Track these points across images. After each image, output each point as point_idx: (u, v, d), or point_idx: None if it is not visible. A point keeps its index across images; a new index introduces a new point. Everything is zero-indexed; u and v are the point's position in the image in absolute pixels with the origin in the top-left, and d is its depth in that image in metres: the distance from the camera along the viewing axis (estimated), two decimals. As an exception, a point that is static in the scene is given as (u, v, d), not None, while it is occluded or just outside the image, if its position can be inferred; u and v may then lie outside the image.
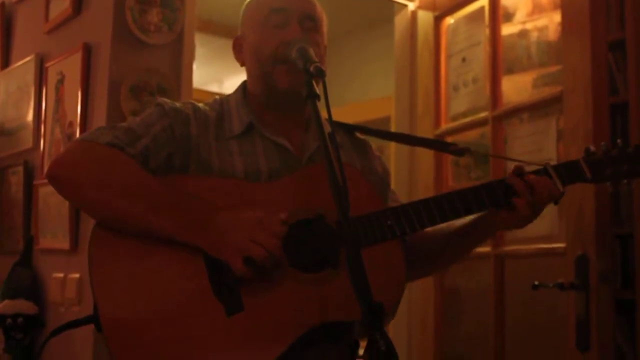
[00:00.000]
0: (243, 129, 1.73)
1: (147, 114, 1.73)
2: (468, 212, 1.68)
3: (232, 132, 1.73)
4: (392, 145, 3.58)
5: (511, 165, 1.73)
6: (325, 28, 1.83)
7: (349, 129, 1.90)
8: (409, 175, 3.46)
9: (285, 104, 1.76)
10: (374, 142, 1.97)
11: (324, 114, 1.52)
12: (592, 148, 1.75)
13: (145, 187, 1.59)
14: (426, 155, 3.47)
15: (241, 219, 1.52)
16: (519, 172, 1.68)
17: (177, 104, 1.76)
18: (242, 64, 1.83)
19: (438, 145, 2.14)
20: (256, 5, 1.81)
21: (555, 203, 1.69)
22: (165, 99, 1.78)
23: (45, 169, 2.70)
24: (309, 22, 1.74)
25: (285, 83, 1.70)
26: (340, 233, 1.55)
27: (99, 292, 1.55)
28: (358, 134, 1.92)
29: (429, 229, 1.79)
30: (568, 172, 1.71)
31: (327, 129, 1.48)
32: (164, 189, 1.59)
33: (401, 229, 1.62)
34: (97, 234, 1.60)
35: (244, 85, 1.85)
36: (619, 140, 1.76)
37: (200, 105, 1.79)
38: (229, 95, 1.83)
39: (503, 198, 1.66)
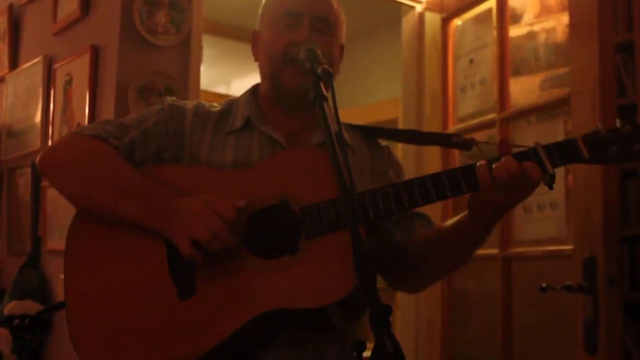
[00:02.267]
0: (242, 124, 1.76)
1: (147, 110, 1.81)
2: (441, 195, 1.55)
3: (233, 127, 1.76)
4: (400, 152, 3.57)
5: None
6: (342, 28, 1.83)
7: (367, 133, 1.88)
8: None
9: (291, 103, 1.77)
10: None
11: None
12: (601, 126, 1.58)
13: (113, 174, 1.67)
14: (433, 161, 3.46)
15: (194, 203, 1.56)
16: (500, 154, 1.55)
17: (182, 102, 1.81)
18: (256, 59, 1.86)
19: (441, 138, 2.00)
20: (272, 4, 1.83)
21: (550, 187, 1.54)
22: (171, 97, 1.84)
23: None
24: (322, 24, 1.75)
25: (292, 84, 1.72)
26: (302, 220, 1.56)
27: (68, 272, 1.64)
28: (380, 140, 1.91)
29: (424, 231, 1.77)
30: (560, 151, 1.54)
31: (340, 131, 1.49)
32: (131, 176, 1.65)
33: (365, 215, 1.55)
34: (76, 221, 1.69)
35: (255, 85, 1.88)
36: (638, 118, 1.57)
37: (209, 103, 1.83)
38: (240, 96, 1.87)
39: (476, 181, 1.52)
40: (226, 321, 1.52)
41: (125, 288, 1.60)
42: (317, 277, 1.51)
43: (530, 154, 1.54)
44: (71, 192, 1.72)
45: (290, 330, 1.57)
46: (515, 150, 1.58)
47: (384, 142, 1.92)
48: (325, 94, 1.54)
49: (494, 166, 1.51)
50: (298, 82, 1.69)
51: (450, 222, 1.70)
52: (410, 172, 1.91)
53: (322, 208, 1.55)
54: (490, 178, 1.51)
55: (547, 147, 1.55)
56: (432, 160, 3.48)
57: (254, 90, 1.86)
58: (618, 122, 1.59)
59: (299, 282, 1.52)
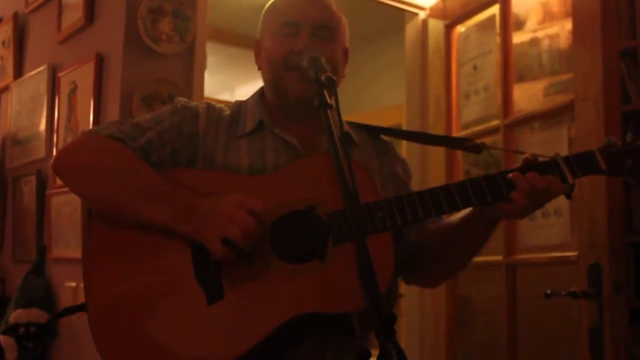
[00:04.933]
0: (254, 127, 1.76)
1: (158, 111, 1.79)
2: (466, 205, 1.61)
3: (244, 130, 1.76)
4: (404, 149, 3.58)
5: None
6: (344, 31, 1.83)
7: (371, 132, 1.90)
8: (420, 179, 3.44)
9: (297, 111, 1.77)
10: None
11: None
12: (614, 139, 1.64)
13: (135, 176, 1.64)
14: (437, 162, 3.47)
15: (222, 202, 1.54)
16: (525, 166, 1.61)
17: (192, 103, 1.80)
18: (259, 68, 1.86)
19: (454, 142, 2.07)
20: (272, 13, 1.83)
21: (568, 197, 1.61)
22: (182, 98, 1.82)
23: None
24: (323, 30, 1.75)
25: (296, 91, 1.72)
26: (329, 225, 1.55)
27: (89, 276, 1.61)
28: (383, 137, 1.92)
29: (432, 226, 1.79)
30: (580, 163, 1.61)
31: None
32: (153, 179, 1.63)
33: (393, 221, 1.56)
34: (95, 222, 1.66)
35: (262, 89, 1.87)
36: None
37: (219, 105, 1.82)
38: (247, 99, 1.86)
39: (503, 192, 1.58)
40: (256, 325, 1.50)
41: (150, 292, 1.57)
42: (346, 283, 1.49)
43: (550, 165, 1.60)
44: (91, 194, 1.70)
45: (313, 335, 1.56)
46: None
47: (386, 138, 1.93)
48: (329, 101, 1.55)
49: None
50: (302, 89, 1.69)
51: (459, 216, 1.72)
52: (414, 172, 1.93)
53: (349, 214, 1.54)
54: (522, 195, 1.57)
55: (567, 159, 1.61)
56: (436, 160, 3.49)
57: (262, 93, 1.85)
58: (629, 136, 1.64)
59: (328, 287, 1.52)
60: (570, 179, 1.59)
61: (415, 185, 1.97)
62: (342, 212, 1.55)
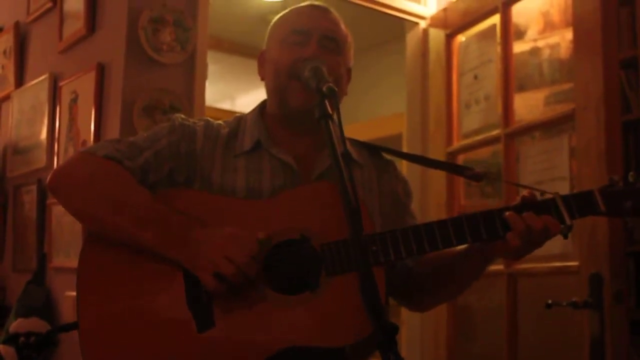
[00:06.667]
0: (252, 146, 1.74)
1: (156, 129, 1.77)
2: (460, 242, 1.59)
3: (242, 148, 1.74)
4: (405, 164, 3.57)
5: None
6: (350, 49, 1.83)
7: (373, 150, 1.89)
8: (421, 194, 3.45)
9: (298, 121, 1.75)
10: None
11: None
12: (616, 178, 1.61)
13: (131, 199, 1.62)
14: (438, 174, 3.46)
15: (217, 235, 1.53)
16: (522, 205, 1.58)
17: (190, 120, 1.78)
18: (262, 78, 1.84)
19: (455, 169, 2.07)
20: (280, 23, 1.83)
21: (565, 237, 1.58)
22: (180, 115, 1.81)
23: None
24: (330, 43, 1.75)
25: (299, 101, 1.70)
26: (323, 257, 1.54)
27: (81, 294, 1.60)
28: (385, 155, 1.90)
29: (429, 254, 1.76)
30: (579, 204, 1.58)
31: (348, 148, 1.48)
32: (149, 203, 1.62)
33: (386, 256, 1.54)
34: (89, 243, 1.65)
35: (263, 103, 1.86)
36: None
37: (217, 122, 1.80)
38: (248, 113, 1.85)
39: (499, 231, 1.57)
40: (246, 356, 1.50)
41: (140, 316, 1.56)
42: (337, 316, 1.49)
43: (548, 205, 1.58)
44: (85, 215, 1.68)
45: None
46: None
47: (388, 157, 1.92)
48: (330, 112, 1.54)
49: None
50: (304, 99, 1.67)
51: (458, 248, 1.70)
52: (415, 190, 1.93)
53: (343, 246, 1.53)
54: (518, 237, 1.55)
55: (566, 199, 1.59)
56: (437, 179, 3.48)
57: (262, 108, 1.84)
58: (631, 175, 1.61)
59: (319, 319, 1.50)
60: (568, 221, 1.57)
61: (416, 195, 1.97)
62: (336, 243, 1.54)
